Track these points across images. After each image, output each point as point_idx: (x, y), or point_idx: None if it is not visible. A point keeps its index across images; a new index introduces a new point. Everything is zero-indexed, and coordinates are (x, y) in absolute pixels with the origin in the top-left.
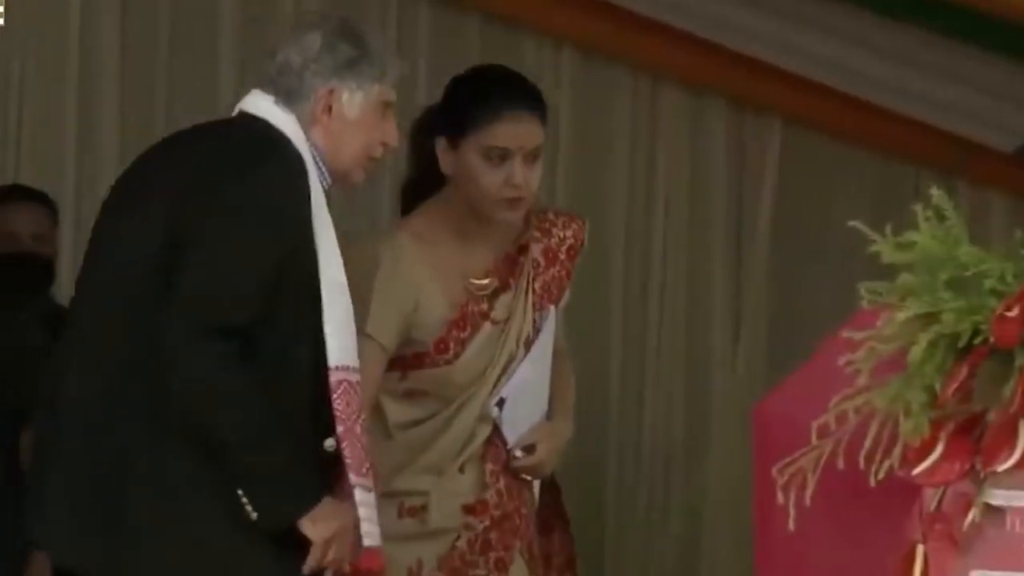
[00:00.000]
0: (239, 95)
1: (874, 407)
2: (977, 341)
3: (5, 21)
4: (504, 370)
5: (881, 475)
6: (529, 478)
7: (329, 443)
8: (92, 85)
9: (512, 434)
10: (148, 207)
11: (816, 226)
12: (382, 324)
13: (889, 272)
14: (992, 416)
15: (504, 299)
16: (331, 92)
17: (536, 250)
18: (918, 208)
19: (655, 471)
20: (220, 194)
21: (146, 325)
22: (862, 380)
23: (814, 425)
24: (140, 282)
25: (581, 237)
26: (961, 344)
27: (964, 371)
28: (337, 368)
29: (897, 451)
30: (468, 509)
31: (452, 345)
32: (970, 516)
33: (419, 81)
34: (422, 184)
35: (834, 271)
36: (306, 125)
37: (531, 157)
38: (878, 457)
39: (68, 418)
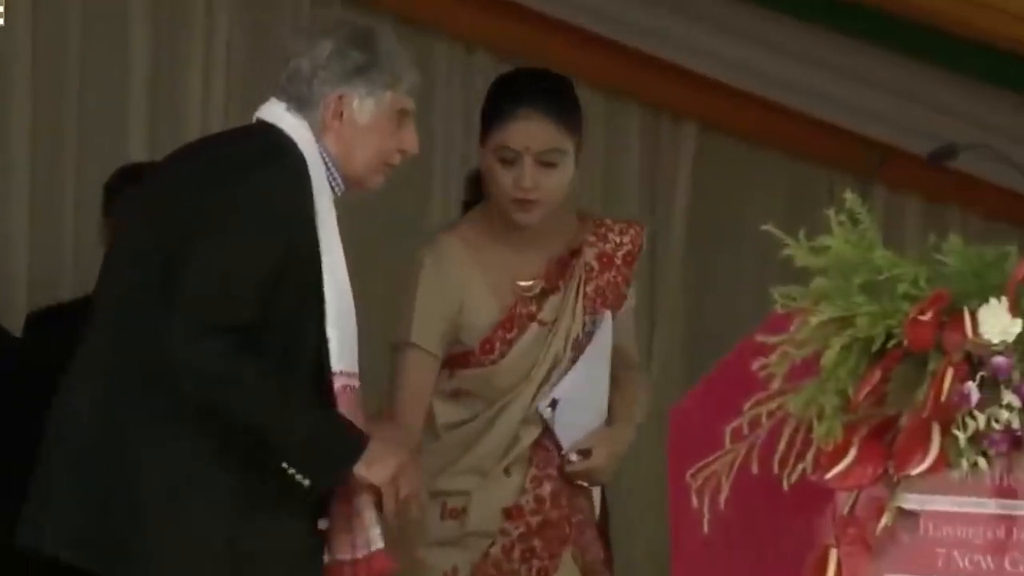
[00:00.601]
0: (150, 94)
1: (787, 411)
2: (890, 345)
3: (5, 21)
4: (549, 372)
5: (794, 479)
6: (586, 484)
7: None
8: (3, 78)
9: (566, 438)
10: (154, 211)
11: (730, 229)
12: (426, 331)
13: (803, 276)
14: (905, 420)
15: (553, 301)
16: (341, 98)
17: (590, 254)
18: (831, 212)
19: None
20: (217, 198)
21: (144, 325)
22: (776, 384)
23: (728, 429)
24: (139, 284)
25: (639, 242)
26: (875, 348)
27: (877, 375)
28: (340, 373)
29: (810, 455)
30: (506, 513)
31: (498, 345)
32: (883, 520)
33: None
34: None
35: (748, 274)
36: (317, 131)
37: (544, 159)
38: (791, 461)
39: (72, 421)
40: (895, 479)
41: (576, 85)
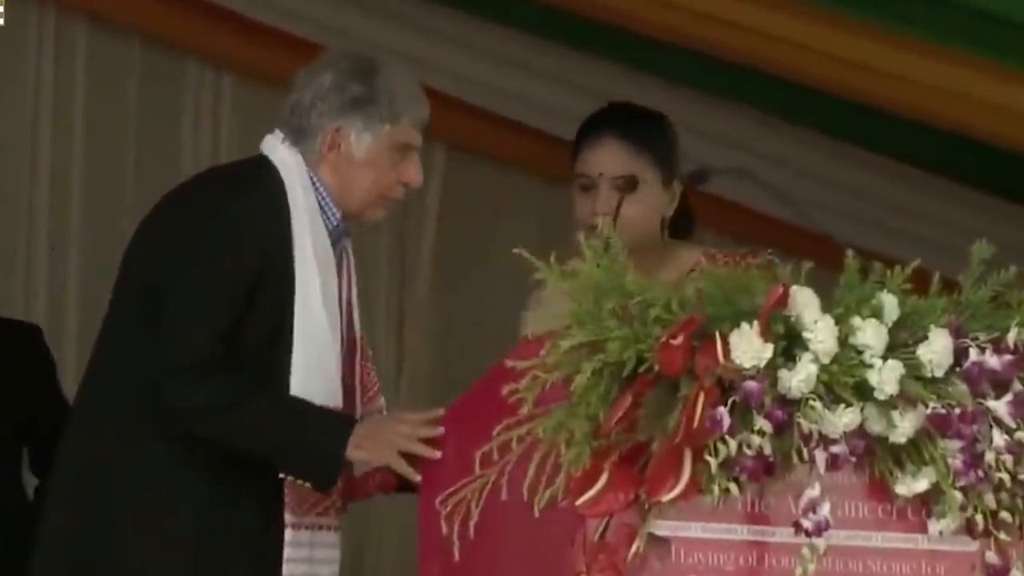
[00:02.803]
0: None
1: (538, 436)
2: (642, 370)
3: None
4: None
5: (545, 505)
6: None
7: None
8: None
9: None
10: (142, 245)
11: (481, 254)
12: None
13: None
14: (657, 446)
15: None
16: (338, 131)
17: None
18: (582, 236)
19: None
20: (185, 236)
21: (125, 353)
22: (526, 409)
23: (477, 455)
24: (126, 317)
25: None
26: (626, 373)
27: (628, 400)
28: None
29: (561, 481)
30: None
31: None
32: (634, 547)
33: (76, 105)
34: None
35: (500, 299)
36: (313, 162)
37: (621, 185)
38: (541, 487)
39: (61, 454)
40: (647, 505)
41: None
